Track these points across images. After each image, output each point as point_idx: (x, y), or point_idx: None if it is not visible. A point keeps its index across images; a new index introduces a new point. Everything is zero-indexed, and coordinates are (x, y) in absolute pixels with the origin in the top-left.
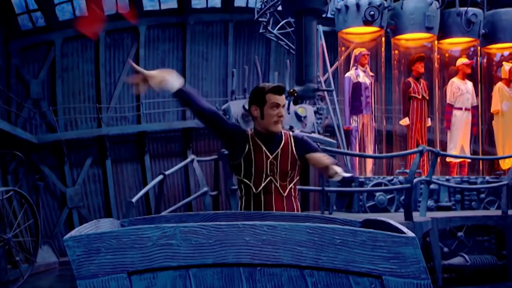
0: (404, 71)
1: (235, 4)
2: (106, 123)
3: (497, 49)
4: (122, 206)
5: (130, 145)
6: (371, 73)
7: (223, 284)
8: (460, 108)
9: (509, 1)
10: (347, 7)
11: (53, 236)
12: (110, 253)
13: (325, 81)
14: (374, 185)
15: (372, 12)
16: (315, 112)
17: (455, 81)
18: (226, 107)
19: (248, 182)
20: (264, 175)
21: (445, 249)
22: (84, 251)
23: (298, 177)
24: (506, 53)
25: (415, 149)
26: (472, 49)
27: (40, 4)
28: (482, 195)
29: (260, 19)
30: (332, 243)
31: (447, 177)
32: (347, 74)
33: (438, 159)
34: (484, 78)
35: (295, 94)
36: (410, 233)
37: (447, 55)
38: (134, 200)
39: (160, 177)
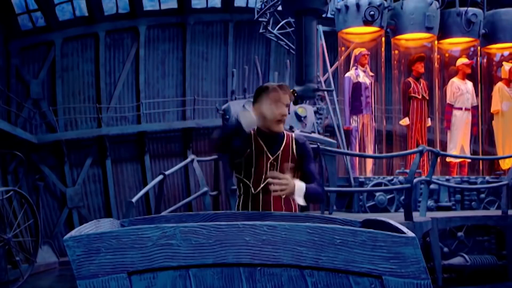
0: (404, 71)
1: (235, 4)
2: (106, 123)
3: (497, 49)
4: (122, 206)
5: (130, 145)
6: (371, 73)
7: (223, 284)
8: (460, 108)
9: (509, 1)
10: (347, 7)
11: (53, 236)
12: (110, 253)
13: (325, 81)
14: (374, 185)
15: (372, 12)
16: (315, 112)
17: (455, 81)
18: (226, 107)
19: (247, 182)
20: (264, 176)
21: (445, 249)
22: (84, 251)
23: (298, 179)
24: (506, 53)
25: (415, 149)
26: (472, 49)
27: (40, 4)
28: (482, 195)
29: (260, 19)
30: (332, 243)
31: (447, 177)
32: (347, 74)
33: (438, 159)
34: (484, 78)
35: (295, 94)
36: (410, 233)
37: (447, 55)
38: (134, 200)
39: (160, 177)
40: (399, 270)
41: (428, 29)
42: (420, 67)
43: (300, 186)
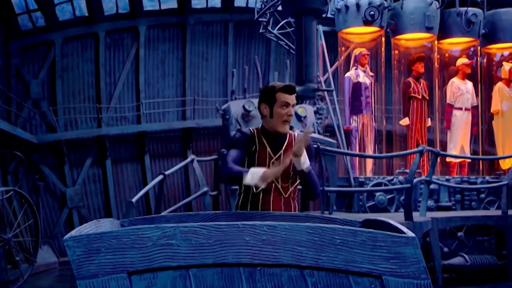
0: (404, 71)
1: (235, 4)
2: (106, 123)
3: (497, 49)
4: (122, 206)
5: (130, 145)
6: (371, 73)
7: (223, 284)
8: (460, 108)
9: (509, 1)
10: (347, 7)
11: (53, 236)
12: (110, 253)
13: (325, 81)
14: (374, 185)
15: (372, 12)
16: (315, 112)
17: (455, 81)
18: (226, 107)
19: None
20: None
21: (445, 249)
22: (84, 251)
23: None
24: (506, 53)
25: (415, 149)
26: (472, 49)
27: (40, 4)
28: (482, 195)
29: (260, 19)
30: (332, 243)
31: (447, 177)
32: (347, 74)
33: (438, 159)
34: (484, 78)
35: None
36: (410, 233)
37: (447, 55)
38: (134, 200)
39: (160, 177)
40: (399, 270)
41: (428, 29)
42: (420, 67)
43: (307, 161)
